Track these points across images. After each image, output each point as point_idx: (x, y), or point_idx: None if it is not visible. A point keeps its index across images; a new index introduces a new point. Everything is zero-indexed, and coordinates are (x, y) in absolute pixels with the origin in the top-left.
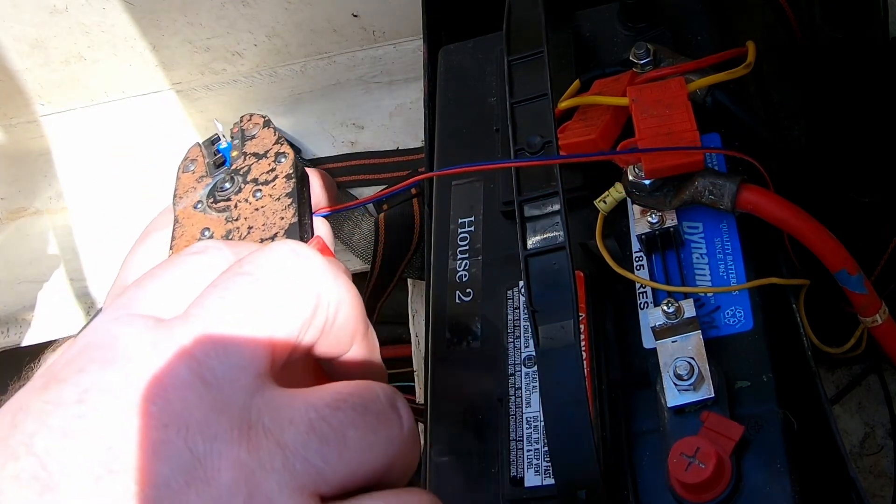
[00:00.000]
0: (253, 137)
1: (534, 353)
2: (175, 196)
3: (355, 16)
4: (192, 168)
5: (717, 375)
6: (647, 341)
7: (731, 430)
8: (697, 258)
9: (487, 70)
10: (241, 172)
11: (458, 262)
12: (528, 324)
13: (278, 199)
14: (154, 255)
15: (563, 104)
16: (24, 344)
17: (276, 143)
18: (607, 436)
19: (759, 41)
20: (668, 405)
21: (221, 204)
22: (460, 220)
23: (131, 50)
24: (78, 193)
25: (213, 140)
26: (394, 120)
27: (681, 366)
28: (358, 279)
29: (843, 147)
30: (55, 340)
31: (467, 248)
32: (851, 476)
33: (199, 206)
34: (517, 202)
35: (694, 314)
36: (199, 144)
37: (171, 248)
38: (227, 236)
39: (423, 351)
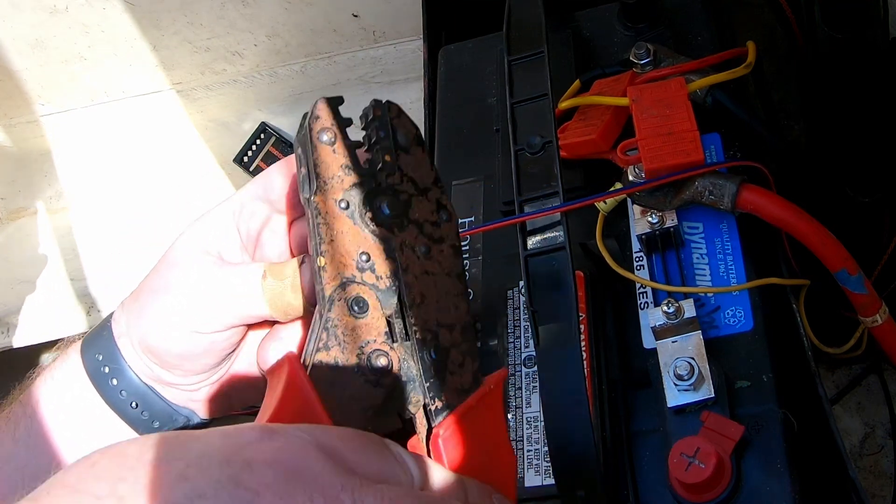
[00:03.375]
0: (406, 151)
1: (534, 353)
2: (316, 173)
3: (355, 16)
4: (327, 139)
5: (717, 375)
6: (647, 341)
7: (731, 430)
8: (697, 258)
9: (487, 70)
10: (399, 197)
11: None
12: (528, 324)
13: (448, 274)
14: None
15: (563, 104)
16: (23, 344)
17: (435, 183)
18: (607, 436)
19: (759, 41)
20: (669, 405)
21: (381, 230)
22: (460, 221)
23: (131, 50)
24: (78, 193)
25: (341, 103)
26: None
27: (681, 366)
28: None
29: (843, 147)
30: (55, 340)
31: (467, 248)
32: (851, 476)
33: (348, 209)
34: (517, 202)
35: (694, 314)
36: (327, 104)
37: (321, 252)
38: (391, 286)
39: None
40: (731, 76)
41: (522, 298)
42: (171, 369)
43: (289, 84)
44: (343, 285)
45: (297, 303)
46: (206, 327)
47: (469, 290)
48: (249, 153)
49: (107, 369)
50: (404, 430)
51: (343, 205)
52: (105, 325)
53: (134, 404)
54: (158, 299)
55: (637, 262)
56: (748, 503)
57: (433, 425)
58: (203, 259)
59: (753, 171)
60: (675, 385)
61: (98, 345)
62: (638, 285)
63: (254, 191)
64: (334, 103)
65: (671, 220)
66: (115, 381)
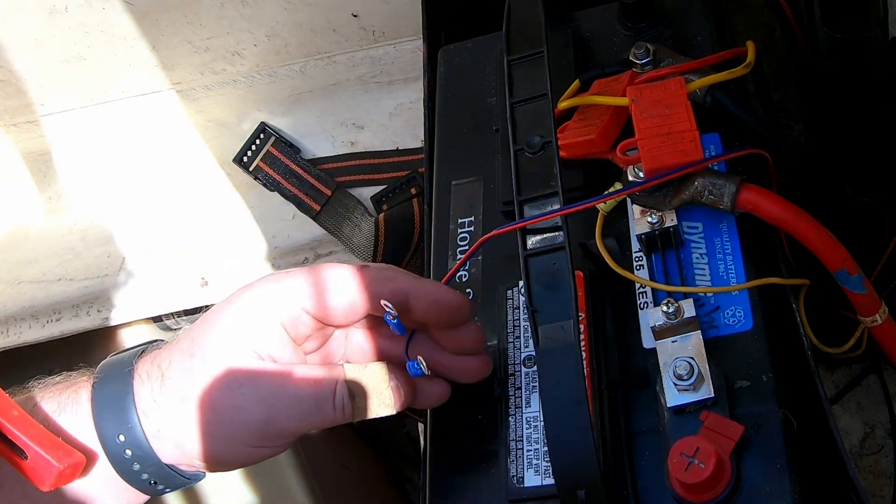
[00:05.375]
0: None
1: (534, 353)
2: None
3: (355, 16)
4: None
5: (717, 375)
6: (647, 341)
7: (731, 430)
8: (697, 258)
9: (487, 70)
10: None
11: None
12: (528, 324)
13: None
14: None
15: (563, 104)
16: (23, 344)
17: None
18: (607, 436)
19: (759, 41)
20: (668, 405)
21: None
22: (460, 220)
23: (131, 50)
24: (78, 193)
25: None
26: (393, 120)
27: (681, 366)
28: None
29: (843, 147)
30: (57, 341)
31: (467, 248)
32: (851, 476)
33: None
34: (517, 202)
35: (694, 314)
36: None
37: None
38: None
39: None
40: (731, 76)
41: (522, 298)
42: (216, 470)
43: (288, 84)
44: None
45: (388, 411)
46: (279, 441)
47: (469, 289)
48: (249, 153)
49: (129, 452)
50: None
51: None
52: (130, 414)
53: (153, 482)
54: (221, 415)
55: (637, 261)
56: (748, 503)
57: None
58: (262, 365)
59: (756, 162)
60: (675, 385)
61: (122, 429)
62: (637, 285)
63: (299, 300)
64: None
65: (671, 220)
66: (137, 466)
